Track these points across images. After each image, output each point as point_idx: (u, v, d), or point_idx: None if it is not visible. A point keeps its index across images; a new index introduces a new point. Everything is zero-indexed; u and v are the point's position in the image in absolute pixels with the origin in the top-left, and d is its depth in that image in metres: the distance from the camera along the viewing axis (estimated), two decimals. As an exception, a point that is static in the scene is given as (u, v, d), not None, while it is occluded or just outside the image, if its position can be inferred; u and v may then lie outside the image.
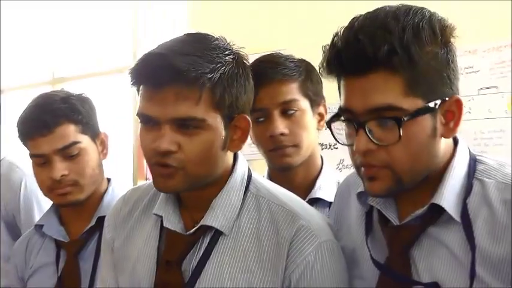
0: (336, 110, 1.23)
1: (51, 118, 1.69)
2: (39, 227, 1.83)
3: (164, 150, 1.24)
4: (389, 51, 1.12)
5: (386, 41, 1.12)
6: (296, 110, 1.73)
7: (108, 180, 1.85)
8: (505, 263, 1.16)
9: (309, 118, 1.76)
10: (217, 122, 1.27)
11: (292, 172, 1.73)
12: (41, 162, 1.71)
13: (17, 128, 1.70)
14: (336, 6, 3.19)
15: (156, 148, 1.24)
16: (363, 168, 1.22)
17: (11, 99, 4.68)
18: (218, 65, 1.24)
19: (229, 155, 1.35)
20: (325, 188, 1.75)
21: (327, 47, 1.21)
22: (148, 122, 1.26)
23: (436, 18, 1.18)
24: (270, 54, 1.83)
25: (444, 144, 1.23)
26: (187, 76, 1.20)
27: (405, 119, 1.13)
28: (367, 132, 1.17)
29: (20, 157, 2.19)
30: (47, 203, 1.95)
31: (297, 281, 1.25)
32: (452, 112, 1.20)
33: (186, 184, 1.28)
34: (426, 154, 1.20)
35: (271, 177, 1.77)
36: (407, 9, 1.17)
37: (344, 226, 1.40)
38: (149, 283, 1.35)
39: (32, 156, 1.71)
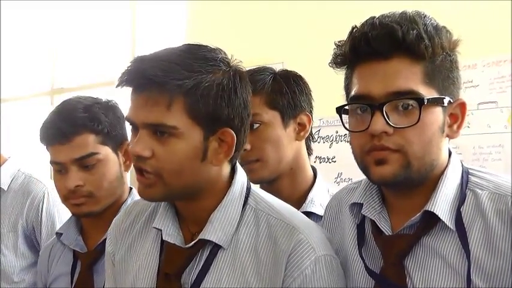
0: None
1: (70, 127, 1.67)
2: (59, 235, 1.82)
3: (137, 154, 1.24)
4: (417, 36, 1.16)
5: (414, 28, 1.17)
6: (259, 124, 1.69)
7: (130, 189, 1.82)
8: (500, 274, 1.17)
9: (277, 131, 1.71)
10: (193, 132, 1.25)
11: (275, 186, 1.69)
12: (59, 169, 1.69)
13: (39, 133, 1.68)
14: (334, 19, 3.19)
15: (132, 152, 1.26)
16: (371, 153, 1.22)
17: (11, 109, 4.70)
18: (196, 74, 1.22)
19: (224, 167, 1.33)
20: (318, 202, 1.72)
21: (339, 42, 1.26)
22: (133, 126, 1.28)
23: (446, 29, 1.23)
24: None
25: (444, 148, 1.26)
26: (157, 81, 1.20)
27: (426, 101, 1.17)
28: (384, 115, 1.18)
29: (35, 169, 2.20)
30: (69, 215, 1.92)
31: None
32: (456, 115, 1.24)
33: (166, 194, 1.28)
34: (435, 147, 1.22)
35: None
36: (423, 13, 1.23)
37: (335, 240, 1.40)
38: None
39: (51, 162, 1.70)
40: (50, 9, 5.09)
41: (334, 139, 3.71)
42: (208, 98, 1.24)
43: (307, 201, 1.70)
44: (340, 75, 1.31)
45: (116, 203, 1.76)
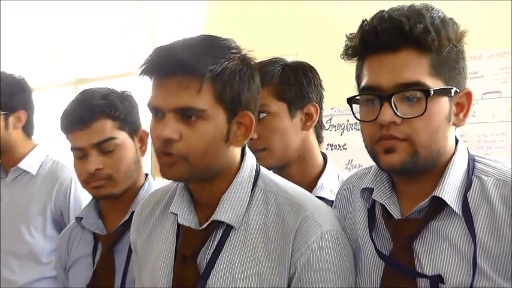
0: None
1: (89, 113, 1.68)
2: (79, 219, 1.83)
3: (166, 138, 1.24)
4: (424, 29, 1.16)
5: (421, 22, 1.16)
6: (266, 114, 1.69)
7: (146, 175, 1.84)
8: (504, 257, 1.17)
9: (284, 121, 1.72)
10: (219, 114, 1.27)
11: (284, 172, 1.68)
12: (79, 155, 1.70)
13: (59, 122, 1.70)
14: (345, 11, 3.22)
15: (159, 136, 1.25)
16: (380, 142, 1.23)
17: (38, 98, 4.79)
18: (221, 60, 1.24)
19: (236, 150, 1.35)
20: (328, 187, 1.71)
21: (350, 34, 1.26)
22: (156, 112, 1.27)
23: (453, 21, 1.23)
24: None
25: (451, 136, 1.26)
26: (188, 66, 1.21)
27: (432, 93, 1.17)
28: (393, 105, 1.18)
29: (62, 155, 2.21)
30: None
31: (301, 269, 1.25)
32: (463, 104, 1.24)
33: (189, 173, 1.29)
34: (442, 135, 1.22)
35: None
36: (431, 7, 1.22)
37: (347, 224, 1.40)
38: (168, 278, 1.36)
39: (71, 149, 1.72)
40: (75, 7, 5.17)
41: (345, 127, 3.71)
42: (233, 83, 1.26)
43: (317, 187, 1.70)
44: (351, 66, 1.30)
45: (133, 186, 1.77)
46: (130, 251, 1.69)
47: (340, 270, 1.27)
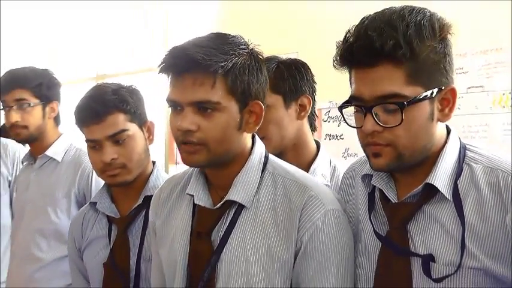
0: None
1: (103, 108, 1.69)
2: (93, 203, 1.85)
3: (185, 129, 1.27)
4: (394, 45, 1.13)
5: (392, 37, 1.13)
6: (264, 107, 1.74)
7: (153, 163, 1.85)
8: (491, 240, 1.17)
9: (279, 112, 1.74)
10: (231, 105, 1.29)
11: (281, 159, 1.68)
12: (94, 146, 1.71)
13: (74, 116, 1.70)
14: (345, 11, 3.24)
15: (179, 128, 1.28)
16: (369, 147, 1.24)
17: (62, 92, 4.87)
18: (231, 56, 1.26)
19: (248, 137, 1.37)
20: (319, 172, 1.73)
21: (340, 43, 1.23)
22: (175, 106, 1.29)
23: (436, 17, 1.19)
24: None
25: (439, 129, 1.25)
26: (202, 65, 1.23)
27: (406, 104, 1.15)
28: (374, 116, 1.19)
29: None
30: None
31: (306, 243, 1.27)
32: (448, 100, 1.22)
33: (208, 160, 1.31)
34: (424, 135, 1.22)
35: None
36: (411, 9, 1.20)
37: (350, 205, 1.41)
38: (184, 253, 1.38)
39: (86, 141, 1.73)
40: (94, 7, 5.23)
41: (341, 119, 3.68)
42: (243, 76, 1.28)
43: (309, 172, 1.71)
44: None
45: (143, 173, 1.78)
46: (143, 232, 1.73)
47: (341, 245, 1.30)
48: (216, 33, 1.34)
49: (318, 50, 3.13)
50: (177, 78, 1.29)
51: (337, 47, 1.24)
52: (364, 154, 1.36)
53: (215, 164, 1.33)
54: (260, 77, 1.34)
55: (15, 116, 2.22)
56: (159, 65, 1.30)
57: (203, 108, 1.27)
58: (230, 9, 4.13)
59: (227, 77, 1.26)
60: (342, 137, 3.73)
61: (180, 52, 1.27)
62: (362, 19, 1.21)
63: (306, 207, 1.29)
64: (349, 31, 1.21)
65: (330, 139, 3.72)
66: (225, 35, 1.34)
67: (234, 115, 1.30)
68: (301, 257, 1.29)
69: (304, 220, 1.29)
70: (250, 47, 1.34)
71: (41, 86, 2.27)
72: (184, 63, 1.25)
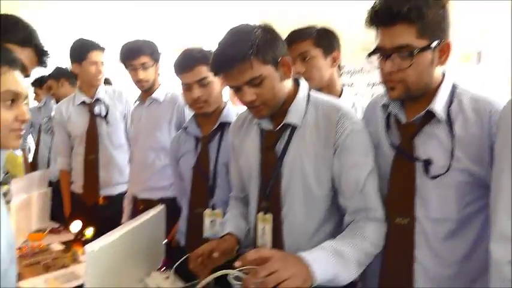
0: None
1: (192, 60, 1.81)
2: (185, 128, 2.00)
3: (249, 101, 1.37)
4: (408, 9, 1.21)
5: (408, 3, 1.22)
6: (309, 57, 1.87)
7: (225, 101, 1.96)
8: (472, 147, 1.25)
9: (320, 61, 1.89)
10: (270, 70, 1.35)
11: None
12: (186, 89, 1.84)
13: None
14: None
15: (244, 101, 1.38)
16: (387, 83, 1.32)
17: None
18: (252, 40, 1.31)
19: (288, 82, 1.43)
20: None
21: (369, 9, 1.29)
22: (232, 87, 1.38)
23: None
24: (299, 28, 1.97)
25: (437, 72, 1.31)
26: (239, 59, 1.31)
27: (416, 52, 1.23)
28: (392, 61, 1.27)
29: (176, 90, 2.36)
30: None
31: (341, 145, 1.36)
32: (444, 51, 1.28)
33: (270, 112, 1.41)
34: (426, 75, 1.28)
35: None
36: None
37: (371, 127, 1.46)
38: (257, 161, 1.50)
39: (182, 84, 1.85)
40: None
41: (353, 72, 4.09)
42: (267, 48, 1.34)
43: None
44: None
45: (219, 106, 1.89)
46: (219, 146, 1.86)
47: (365, 145, 1.39)
48: (235, 27, 1.38)
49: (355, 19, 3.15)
50: (227, 74, 1.35)
51: (367, 12, 1.29)
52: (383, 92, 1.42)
53: (274, 111, 1.43)
54: (278, 42, 1.38)
55: (142, 74, 2.38)
56: (210, 65, 1.37)
57: (254, 83, 1.34)
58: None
59: (258, 55, 1.32)
60: (368, 71, 4.04)
61: (221, 51, 1.33)
62: None
63: (340, 120, 1.37)
64: (376, 0, 1.28)
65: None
66: (242, 26, 1.38)
67: (274, 74, 1.36)
68: (338, 153, 1.37)
69: (339, 129, 1.37)
70: (262, 25, 1.37)
71: (155, 52, 2.43)
72: (227, 62, 1.32)
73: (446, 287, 1.30)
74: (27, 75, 1.38)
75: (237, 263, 1.13)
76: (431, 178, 1.28)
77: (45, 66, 1.54)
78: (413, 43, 1.23)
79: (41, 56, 1.52)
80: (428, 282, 1.32)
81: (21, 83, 1.09)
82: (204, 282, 1.21)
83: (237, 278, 1.16)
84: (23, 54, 1.44)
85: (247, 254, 1.14)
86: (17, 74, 1.09)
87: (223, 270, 1.16)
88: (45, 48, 1.54)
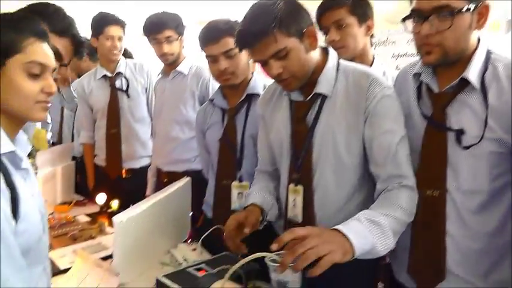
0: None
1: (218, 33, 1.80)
2: (211, 100, 2.00)
3: (276, 74, 1.37)
4: None
5: None
6: (345, 25, 1.85)
7: (252, 73, 1.96)
8: (505, 116, 1.24)
9: (355, 29, 1.87)
10: (294, 42, 1.35)
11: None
12: (213, 61, 1.83)
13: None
14: None
15: (271, 74, 1.38)
16: (423, 46, 1.30)
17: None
18: (275, 13, 1.31)
19: (316, 52, 1.43)
20: None
21: None
22: (256, 60, 1.39)
23: None
24: None
25: (474, 37, 1.29)
26: (262, 33, 1.31)
27: (456, 12, 1.22)
28: (429, 22, 1.25)
29: (202, 63, 2.36)
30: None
31: (372, 111, 1.37)
32: (482, 14, 1.26)
33: (298, 84, 1.42)
34: (464, 39, 1.27)
35: None
36: None
37: (403, 96, 1.44)
38: (288, 131, 1.52)
39: (207, 56, 1.85)
40: None
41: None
42: (291, 20, 1.34)
43: None
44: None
45: (245, 79, 1.89)
46: (246, 118, 1.87)
47: (396, 111, 1.39)
48: (256, 3, 1.39)
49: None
50: (253, 48, 1.35)
51: None
52: (415, 60, 1.43)
53: (303, 83, 1.43)
54: (302, 13, 1.37)
55: (167, 47, 2.38)
56: (236, 41, 1.37)
57: (280, 56, 1.34)
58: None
59: (281, 28, 1.32)
60: (394, 42, 3.98)
61: (246, 31, 1.34)
62: None
63: (370, 86, 1.38)
64: None
65: (385, 45, 4.04)
66: (262, 2, 1.37)
67: (299, 46, 1.36)
68: (369, 120, 1.38)
69: (370, 96, 1.37)
70: None
71: (179, 25, 2.42)
72: (252, 37, 1.33)
73: (474, 261, 1.30)
74: (63, 64, 1.40)
75: (273, 246, 1.11)
76: (464, 148, 1.27)
77: (82, 57, 1.57)
78: (453, 4, 1.22)
79: (77, 46, 1.55)
80: (458, 256, 1.32)
81: (49, 55, 1.10)
82: (238, 265, 1.20)
83: (274, 261, 1.16)
84: (60, 43, 1.47)
85: (282, 236, 1.12)
86: (45, 47, 1.09)
87: (260, 253, 1.14)
88: (82, 39, 1.58)
